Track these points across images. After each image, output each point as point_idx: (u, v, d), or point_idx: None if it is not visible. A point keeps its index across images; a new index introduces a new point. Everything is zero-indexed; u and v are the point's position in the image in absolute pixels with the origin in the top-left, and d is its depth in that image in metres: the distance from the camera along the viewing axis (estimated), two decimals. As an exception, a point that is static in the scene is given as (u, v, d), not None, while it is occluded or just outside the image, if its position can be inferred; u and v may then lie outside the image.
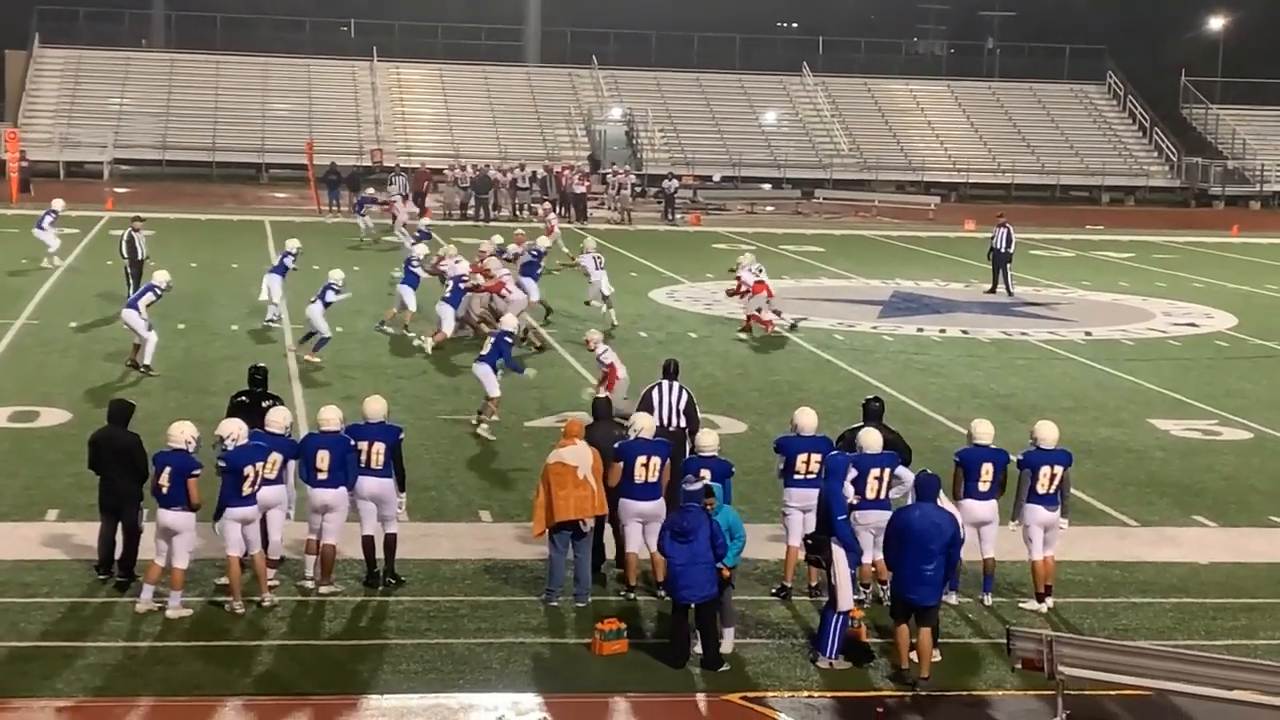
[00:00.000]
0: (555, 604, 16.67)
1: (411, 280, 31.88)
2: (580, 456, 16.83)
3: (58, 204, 41.78)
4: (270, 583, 16.59)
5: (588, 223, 57.28)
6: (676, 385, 19.77)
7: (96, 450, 17.07)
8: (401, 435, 17.49)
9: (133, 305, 28.37)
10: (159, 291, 28.56)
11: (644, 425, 17.42)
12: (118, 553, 16.91)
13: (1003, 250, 41.67)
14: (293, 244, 33.54)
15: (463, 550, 18.43)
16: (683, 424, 19.36)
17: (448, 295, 30.53)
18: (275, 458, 16.77)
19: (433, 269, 32.28)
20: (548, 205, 51.50)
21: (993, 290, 41.51)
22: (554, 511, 16.71)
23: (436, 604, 16.69)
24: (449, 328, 30.24)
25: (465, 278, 30.89)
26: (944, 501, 15.83)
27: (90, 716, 13.72)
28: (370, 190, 52.52)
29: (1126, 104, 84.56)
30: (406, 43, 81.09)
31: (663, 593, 16.78)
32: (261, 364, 19.45)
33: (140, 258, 34.20)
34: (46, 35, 77.30)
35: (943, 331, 35.51)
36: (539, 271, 34.60)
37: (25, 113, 72.48)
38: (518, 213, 58.70)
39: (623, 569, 17.31)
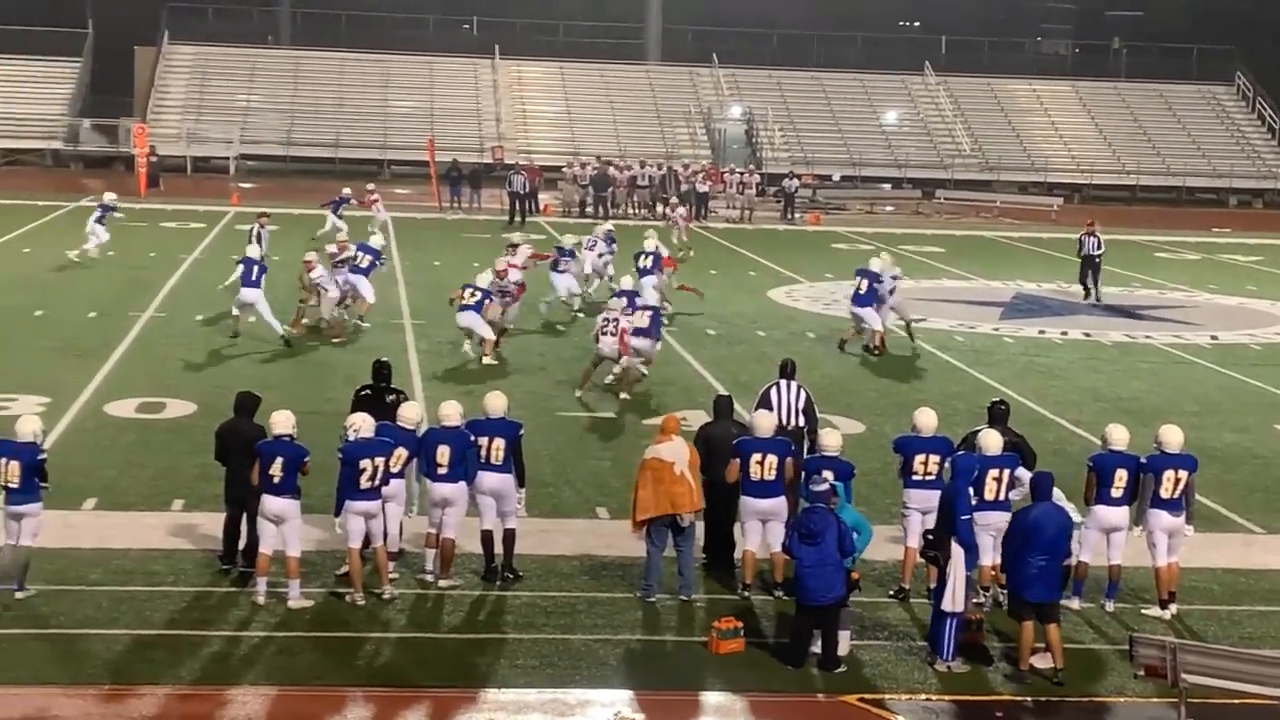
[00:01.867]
0: (652, 599, 16.74)
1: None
2: (677, 452, 16.85)
3: (109, 197, 41.96)
4: (390, 576, 16.73)
5: (707, 221, 57.25)
6: (795, 384, 19.71)
7: (223, 442, 17.29)
8: (522, 431, 17.58)
9: (253, 285, 29.73)
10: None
11: (763, 424, 17.39)
12: (241, 543, 17.13)
13: (1093, 255, 40.79)
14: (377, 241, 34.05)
15: (580, 546, 18.49)
16: (801, 423, 19.31)
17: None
18: (400, 452, 16.92)
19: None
20: (675, 201, 51.57)
21: (1086, 297, 40.71)
22: (651, 506, 16.77)
23: (554, 599, 16.76)
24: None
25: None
26: (1060, 500, 15.74)
27: (213, 705, 13.91)
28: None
29: (1256, 105, 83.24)
30: (528, 40, 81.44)
31: (780, 593, 16.76)
32: (385, 358, 19.61)
33: (262, 254, 34.46)
34: (176, 32, 78.39)
35: (1064, 334, 35.14)
36: (563, 268, 34.29)
37: (154, 108, 73.55)
38: (636, 210, 58.76)
39: (739, 566, 17.32)
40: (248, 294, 30.04)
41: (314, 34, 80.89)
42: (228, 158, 71.07)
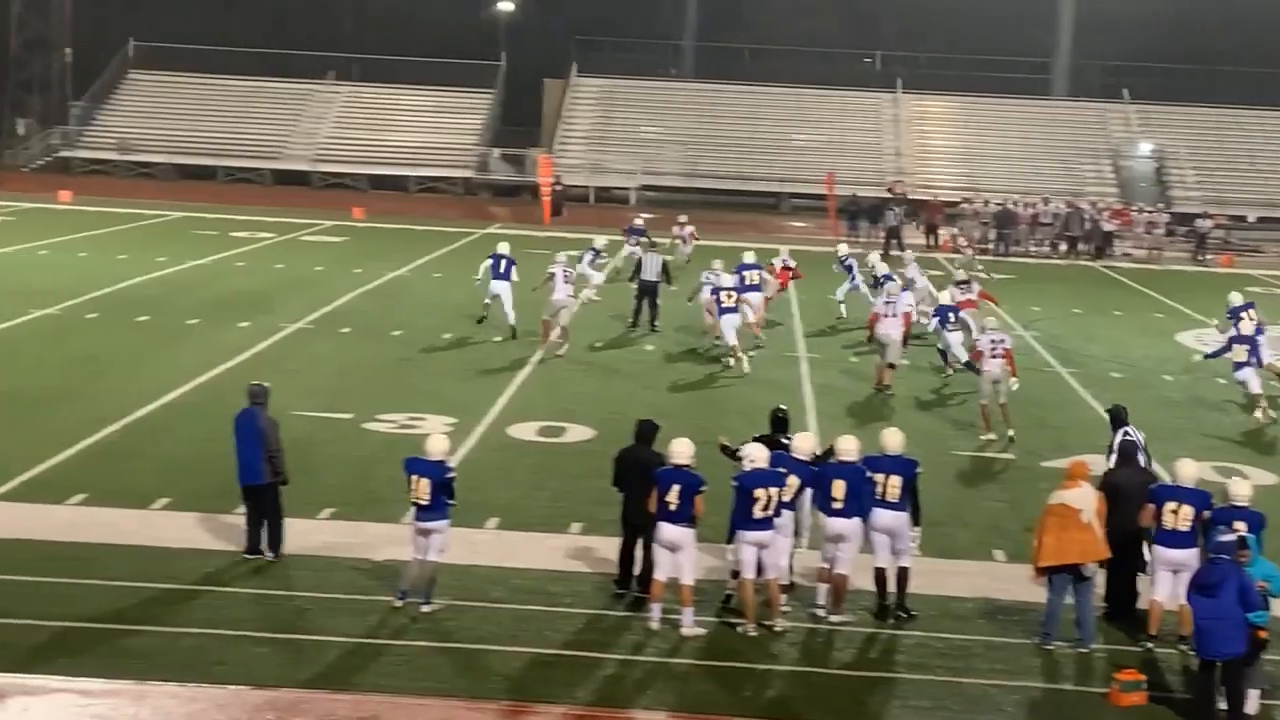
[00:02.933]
0: (1050, 647, 16.29)
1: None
2: (1084, 499, 16.40)
3: (600, 242, 42.61)
4: (781, 609, 16.69)
5: (1113, 260, 55.80)
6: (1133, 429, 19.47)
7: (622, 468, 17.51)
8: (919, 469, 17.37)
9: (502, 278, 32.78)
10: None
11: (1184, 473, 16.86)
12: (636, 569, 17.32)
13: None
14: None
15: (975, 588, 18.14)
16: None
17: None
18: (793, 481, 16.89)
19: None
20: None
21: None
22: (1055, 553, 16.33)
23: (947, 641, 16.47)
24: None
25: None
26: None
27: (606, 726, 14.10)
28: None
29: None
30: (931, 75, 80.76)
31: (1185, 646, 16.14)
32: (784, 407, 19.22)
33: (656, 279, 34.80)
34: (584, 65, 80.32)
35: None
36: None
37: (560, 139, 75.50)
38: (1038, 246, 57.62)
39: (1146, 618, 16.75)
40: (496, 285, 32.88)
41: (718, 67, 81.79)
42: (629, 188, 72.39)
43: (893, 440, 17.37)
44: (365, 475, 21.68)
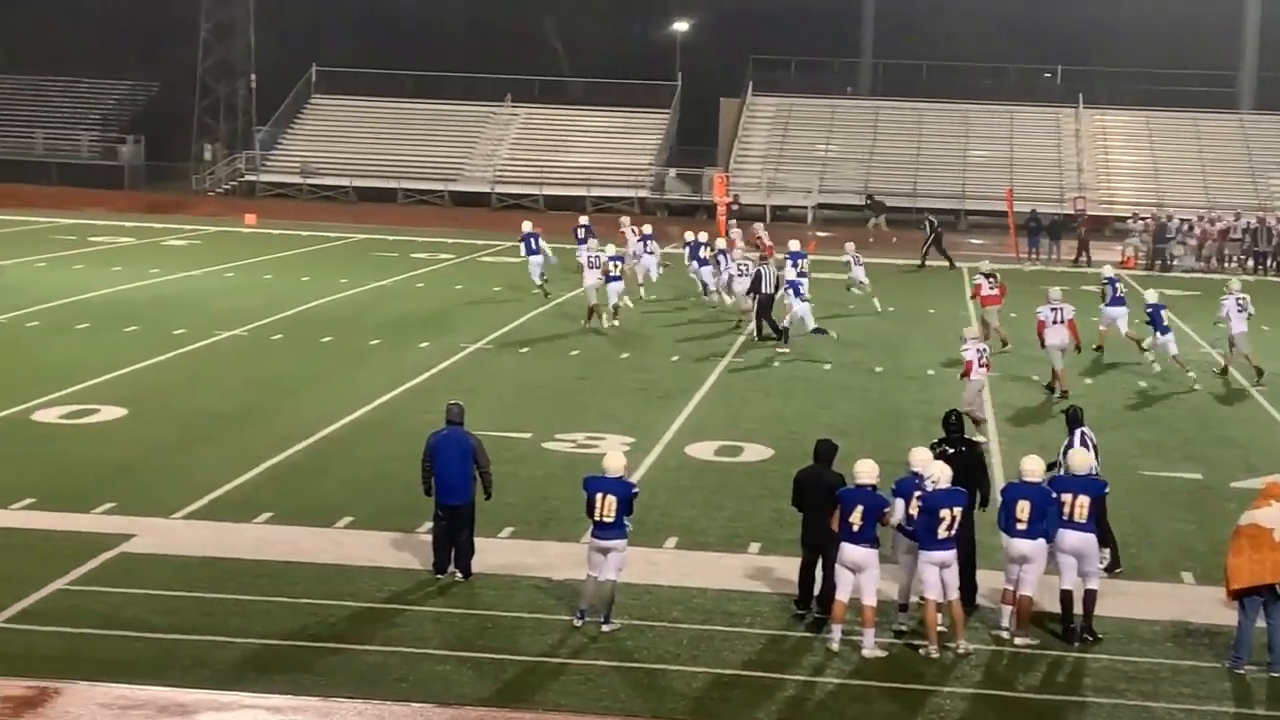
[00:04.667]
0: (1241, 671, 15.89)
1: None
2: (1276, 518, 15.95)
3: (647, 229, 44.24)
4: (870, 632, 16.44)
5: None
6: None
7: (802, 488, 17.39)
8: (1107, 490, 17.08)
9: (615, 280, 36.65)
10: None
11: None
12: (816, 589, 17.20)
13: None
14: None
15: (1163, 611, 17.77)
16: None
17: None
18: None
19: None
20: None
21: None
22: (1248, 575, 15.93)
23: (1135, 665, 16.15)
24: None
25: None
26: None
27: (787, 748, 14.00)
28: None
29: None
30: (1111, 89, 79.58)
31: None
32: (955, 409, 19.33)
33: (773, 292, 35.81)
34: (760, 84, 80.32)
35: None
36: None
37: (736, 158, 75.57)
38: (1223, 264, 56.43)
39: None
40: (614, 287, 36.97)
41: (894, 84, 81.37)
42: (805, 206, 72.19)
43: (1080, 460, 17.14)
44: (545, 494, 21.80)
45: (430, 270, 47.27)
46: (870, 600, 16.21)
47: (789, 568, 17.96)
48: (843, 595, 16.35)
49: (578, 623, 16.69)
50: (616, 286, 37.41)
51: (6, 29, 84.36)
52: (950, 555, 16.26)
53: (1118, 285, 34.70)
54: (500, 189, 73.88)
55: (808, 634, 16.71)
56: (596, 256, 37.34)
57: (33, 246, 50.90)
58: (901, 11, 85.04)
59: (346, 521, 20.31)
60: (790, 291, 35.34)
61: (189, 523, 20.14)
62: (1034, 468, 16.82)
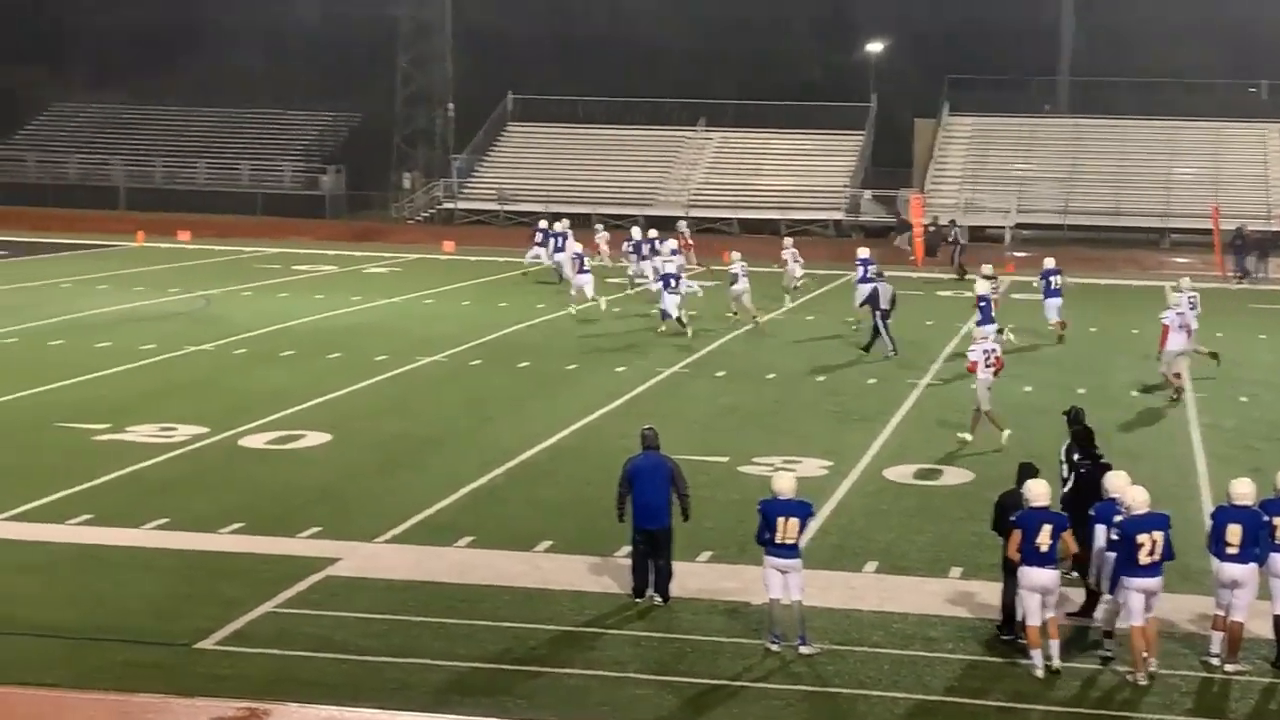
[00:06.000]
0: None
1: None
2: None
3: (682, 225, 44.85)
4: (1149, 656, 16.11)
5: None
6: None
7: (1003, 511, 17.17)
8: (1320, 512, 16.62)
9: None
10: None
11: None
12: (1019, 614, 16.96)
13: None
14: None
15: (1382, 639, 17.21)
16: None
17: None
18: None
19: None
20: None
21: None
22: None
23: (1354, 694, 15.68)
24: None
25: None
26: None
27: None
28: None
29: None
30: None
31: None
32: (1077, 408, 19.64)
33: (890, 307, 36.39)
34: (955, 104, 79.64)
35: None
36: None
37: (932, 179, 74.98)
38: None
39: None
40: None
41: (1093, 101, 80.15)
42: (1004, 227, 71.34)
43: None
44: (742, 518, 21.67)
45: (625, 295, 47.47)
46: (1050, 613, 16.03)
47: (991, 592, 17.74)
48: (1035, 620, 16.09)
49: (774, 647, 16.63)
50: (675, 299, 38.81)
51: (214, 63, 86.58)
52: (1156, 582, 15.93)
53: None
54: (694, 213, 74.05)
55: (1008, 659, 16.46)
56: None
57: (239, 275, 52.13)
58: (1100, 27, 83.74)
59: (546, 545, 20.45)
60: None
61: (392, 547, 20.44)
62: (1245, 491, 16.42)
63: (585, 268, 43.82)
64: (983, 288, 35.43)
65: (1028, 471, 17.23)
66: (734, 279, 41.01)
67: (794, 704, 15.34)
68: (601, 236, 55.77)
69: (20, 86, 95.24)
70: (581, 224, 72.35)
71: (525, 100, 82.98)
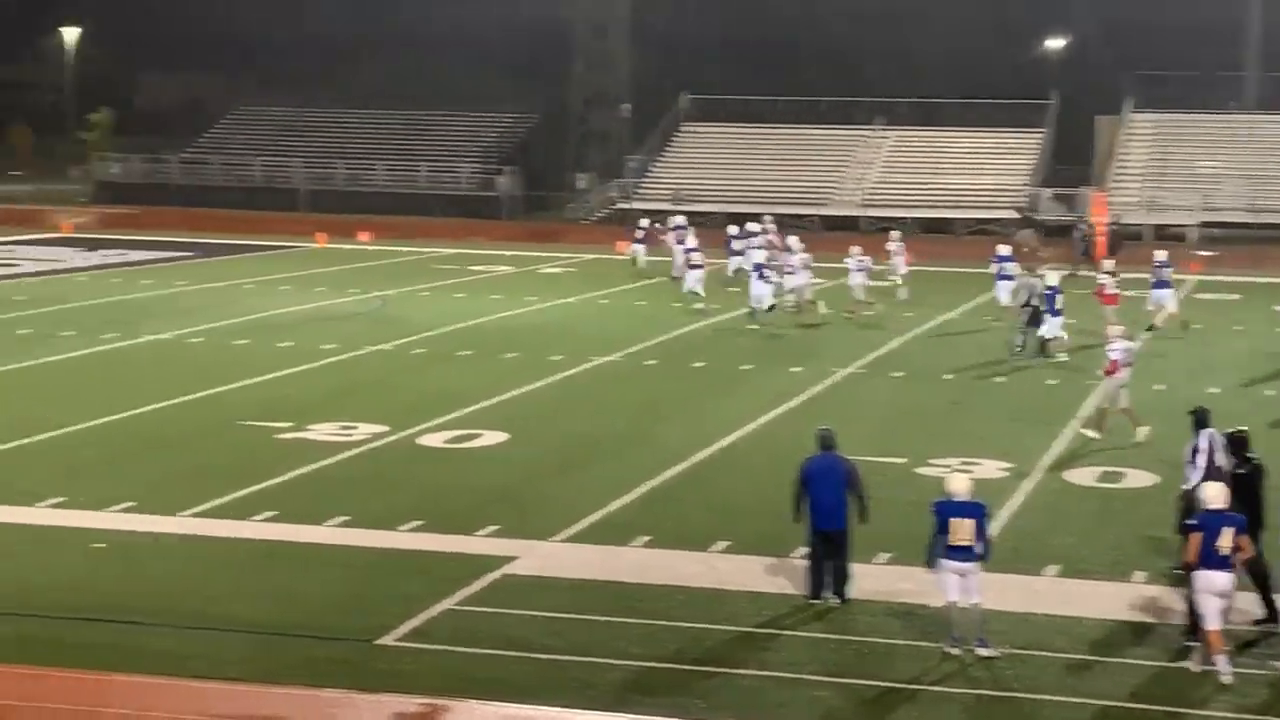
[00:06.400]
0: None
1: None
2: None
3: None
4: None
5: None
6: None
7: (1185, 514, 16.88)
8: None
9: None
10: None
11: None
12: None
13: None
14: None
15: None
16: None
17: None
18: None
19: None
20: None
21: None
22: None
23: None
24: None
25: None
26: None
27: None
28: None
29: None
30: None
31: None
32: (1243, 429, 18.80)
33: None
34: (1139, 100, 78.28)
35: None
36: None
37: (1114, 177, 73.76)
38: None
39: None
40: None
41: (1280, 98, 78.37)
42: (1188, 225, 69.95)
43: None
44: (920, 520, 21.46)
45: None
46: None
47: (1174, 597, 17.40)
48: (1216, 625, 15.78)
49: (952, 650, 16.46)
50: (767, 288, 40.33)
51: (392, 67, 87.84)
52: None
53: None
54: (870, 213, 73.58)
55: (1197, 666, 16.14)
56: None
57: (417, 276, 52.81)
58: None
59: (723, 546, 20.44)
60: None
61: (570, 545, 20.56)
62: None
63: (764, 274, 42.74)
64: (1053, 279, 35.83)
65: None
66: (852, 272, 42.39)
67: (971, 707, 15.18)
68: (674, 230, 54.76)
69: (205, 92, 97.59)
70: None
71: (700, 100, 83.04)
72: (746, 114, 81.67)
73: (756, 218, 55.58)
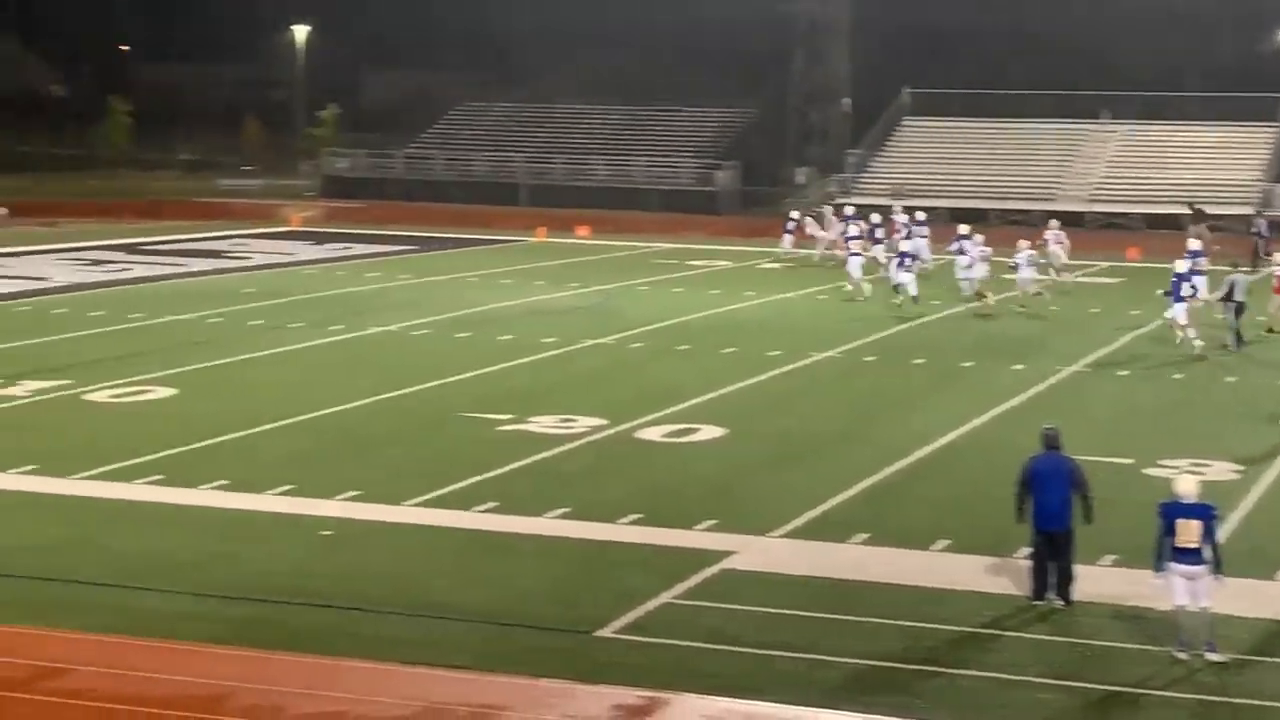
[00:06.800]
0: None
1: None
2: None
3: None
4: None
5: None
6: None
7: None
8: None
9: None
10: None
11: None
12: None
13: None
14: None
15: None
16: None
17: None
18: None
19: None
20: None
21: None
22: None
23: None
24: None
25: None
26: None
27: None
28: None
29: None
30: None
31: None
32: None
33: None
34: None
35: None
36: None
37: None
38: None
39: None
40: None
41: None
42: None
43: None
44: (1149, 522, 21.00)
45: (1018, 293, 46.53)
46: None
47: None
48: None
49: (1180, 655, 16.08)
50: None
51: (612, 62, 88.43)
52: None
53: None
54: (1097, 208, 72.26)
55: None
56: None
57: (636, 270, 53.05)
58: None
59: (943, 544, 20.21)
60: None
61: (787, 541, 20.48)
62: None
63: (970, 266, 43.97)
64: (1181, 266, 35.86)
65: None
66: (1015, 267, 42.52)
67: (1198, 713, 14.81)
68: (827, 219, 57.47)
69: (430, 88, 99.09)
70: (975, 219, 71.68)
71: (922, 94, 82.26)
72: (969, 108, 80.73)
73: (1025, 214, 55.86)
